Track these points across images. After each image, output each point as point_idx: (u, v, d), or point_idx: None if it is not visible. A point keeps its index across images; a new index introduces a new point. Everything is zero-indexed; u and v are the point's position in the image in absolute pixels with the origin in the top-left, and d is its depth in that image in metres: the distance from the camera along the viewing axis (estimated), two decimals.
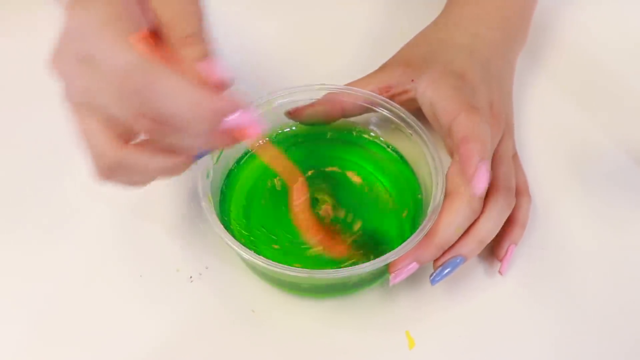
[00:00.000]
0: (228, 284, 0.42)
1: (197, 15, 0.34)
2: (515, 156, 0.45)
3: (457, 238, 0.39)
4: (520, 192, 0.43)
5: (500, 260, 0.42)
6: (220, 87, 0.33)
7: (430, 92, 0.43)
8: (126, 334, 0.40)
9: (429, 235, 0.38)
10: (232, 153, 0.44)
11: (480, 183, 0.37)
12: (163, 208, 0.45)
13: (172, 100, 0.30)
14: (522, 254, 0.43)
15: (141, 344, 0.40)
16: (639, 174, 0.48)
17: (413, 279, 0.42)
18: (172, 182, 0.41)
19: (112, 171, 0.34)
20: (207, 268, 0.43)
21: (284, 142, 0.46)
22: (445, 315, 0.41)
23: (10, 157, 0.48)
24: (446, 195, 0.39)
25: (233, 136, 0.33)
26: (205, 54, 0.33)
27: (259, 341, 0.40)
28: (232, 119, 0.32)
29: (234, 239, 0.37)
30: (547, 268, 0.43)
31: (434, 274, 0.39)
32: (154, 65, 0.30)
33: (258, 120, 0.33)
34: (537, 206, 0.45)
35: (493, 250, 0.43)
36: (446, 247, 0.39)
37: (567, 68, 0.54)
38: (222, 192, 0.43)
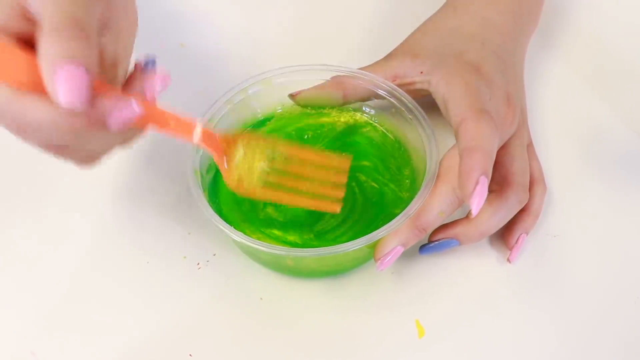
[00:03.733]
0: (236, 271, 0.42)
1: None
2: (529, 145, 0.45)
3: (440, 222, 0.39)
4: (535, 181, 0.43)
5: (510, 249, 0.42)
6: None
7: (443, 87, 0.42)
8: (133, 321, 0.40)
9: (412, 217, 0.38)
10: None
11: (479, 202, 0.36)
12: (169, 194, 0.45)
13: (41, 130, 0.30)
14: (534, 241, 0.43)
15: (148, 331, 0.40)
16: None
17: (422, 266, 0.42)
18: (179, 167, 0.41)
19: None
20: (214, 255, 0.43)
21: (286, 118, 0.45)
22: (455, 302, 0.41)
23: (9, 145, 0.48)
24: (436, 179, 0.39)
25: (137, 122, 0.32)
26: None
27: (267, 329, 0.40)
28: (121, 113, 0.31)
29: (214, 212, 0.38)
30: (559, 255, 0.42)
31: (427, 246, 0.41)
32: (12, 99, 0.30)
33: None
34: (550, 192, 0.44)
35: (504, 238, 0.42)
36: (429, 230, 0.39)
37: (580, 50, 0.53)
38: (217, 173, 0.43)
